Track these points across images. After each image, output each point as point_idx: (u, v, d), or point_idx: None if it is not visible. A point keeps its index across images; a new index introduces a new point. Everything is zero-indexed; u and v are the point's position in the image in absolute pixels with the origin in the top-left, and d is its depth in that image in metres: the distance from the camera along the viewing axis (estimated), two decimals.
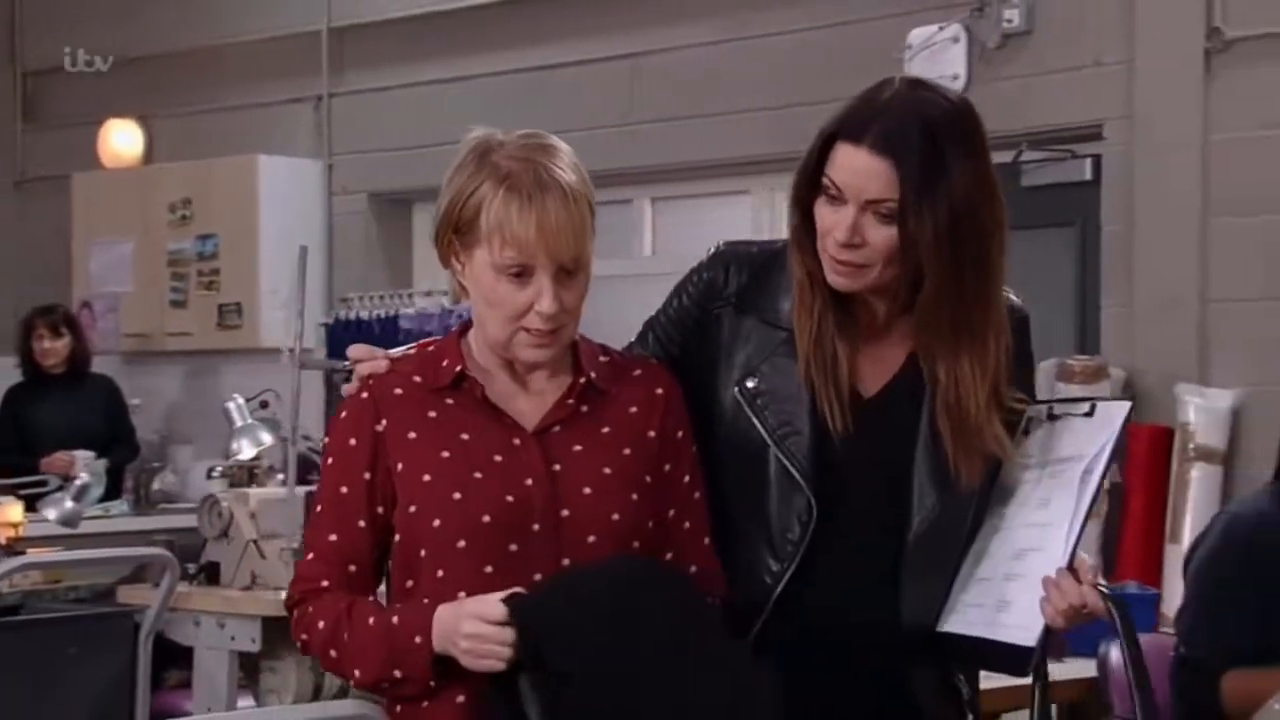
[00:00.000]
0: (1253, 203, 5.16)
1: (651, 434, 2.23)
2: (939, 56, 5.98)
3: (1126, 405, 2.28)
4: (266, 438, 5.54)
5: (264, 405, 5.91)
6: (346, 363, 2.29)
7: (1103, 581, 2.21)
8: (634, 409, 2.23)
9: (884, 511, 2.28)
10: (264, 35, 7.81)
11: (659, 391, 2.25)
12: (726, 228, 7.20)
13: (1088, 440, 2.23)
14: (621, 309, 8.19)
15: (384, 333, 7.05)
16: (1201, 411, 5.01)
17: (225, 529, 5.02)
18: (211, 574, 5.07)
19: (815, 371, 2.25)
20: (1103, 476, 2.20)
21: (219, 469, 5.70)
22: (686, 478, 2.25)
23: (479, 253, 2.16)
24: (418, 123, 7.15)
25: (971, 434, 2.23)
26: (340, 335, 7.15)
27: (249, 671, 4.96)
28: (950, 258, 2.17)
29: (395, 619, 2.15)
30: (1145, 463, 5.05)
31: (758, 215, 6.93)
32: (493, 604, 2.08)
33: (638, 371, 2.27)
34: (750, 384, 2.26)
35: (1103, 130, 5.58)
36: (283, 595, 2.30)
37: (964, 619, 2.25)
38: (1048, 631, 2.19)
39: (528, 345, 2.17)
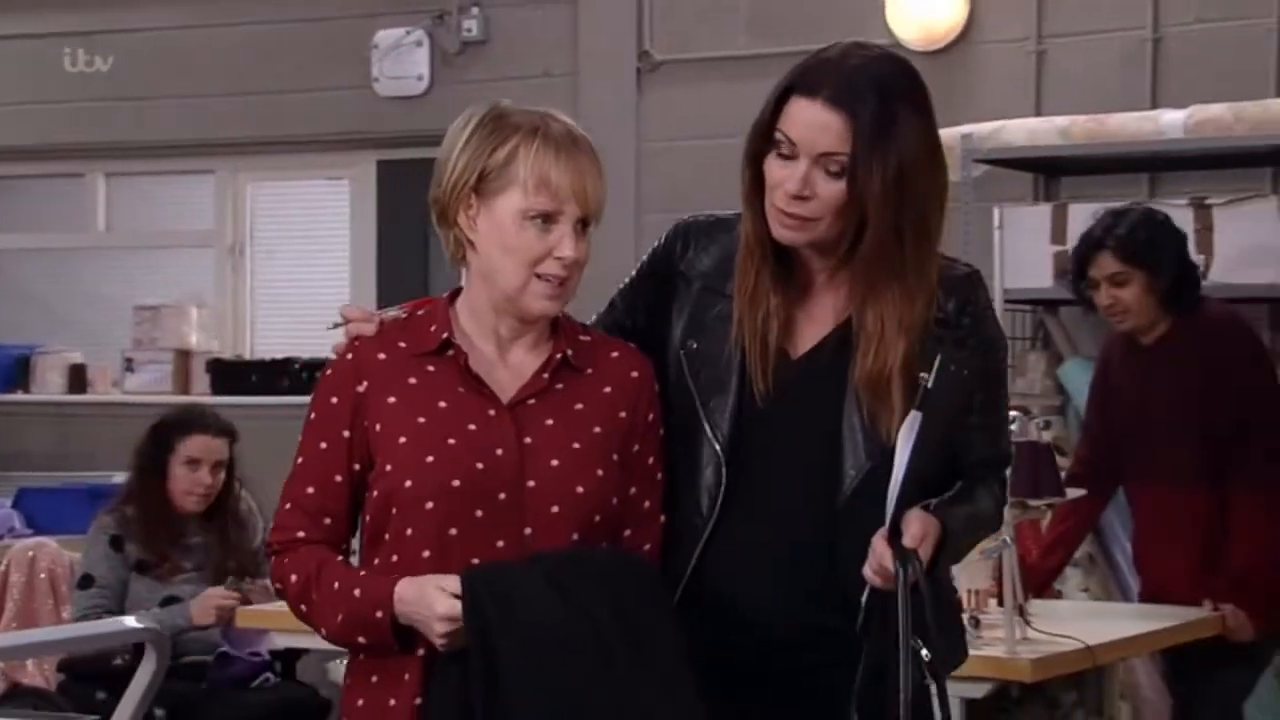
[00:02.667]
0: (677, 201, 5.93)
1: (623, 414, 2.28)
2: (405, 58, 6.52)
3: (937, 359, 2.24)
4: None
5: None
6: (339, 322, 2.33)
7: (905, 539, 2.18)
8: (608, 389, 2.28)
9: (810, 470, 2.28)
10: None
11: (634, 375, 2.30)
12: (188, 207, 7.46)
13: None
14: (76, 281, 8.22)
15: None
16: None
17: None
18: None
19: (747, 330, 2.29)
20: (912, 436, 2.19)
21: None
22: (651, 459, 2.31)
23: (502, 200, 2.22)
24: None
25: (882, 384, 2.24)
26: None
27: None
28: (893, 212, 2.20)
29: (357, 591, 2.21)
30: None
31: (221, 195, 7.19)
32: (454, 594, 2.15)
33: (615, 354, 2.31)
34: (692, 345, 2.32)
35: None
36: None
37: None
38: (876, 592, 2.19)
39: (540, 295, 2.23)
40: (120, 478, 5.27)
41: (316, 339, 7.16)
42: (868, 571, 2.18)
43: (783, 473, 2.29)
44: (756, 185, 2.27)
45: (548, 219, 2.22)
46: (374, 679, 2.25)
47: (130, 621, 3.23)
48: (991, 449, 2.35)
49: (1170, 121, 4.91)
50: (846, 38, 6.61)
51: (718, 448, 2.28)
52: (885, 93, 2.20)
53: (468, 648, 2.14)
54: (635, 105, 6.07)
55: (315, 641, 4.34)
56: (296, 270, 7.15)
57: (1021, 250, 4.79)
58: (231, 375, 6.84)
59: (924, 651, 2.14)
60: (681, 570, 2.29)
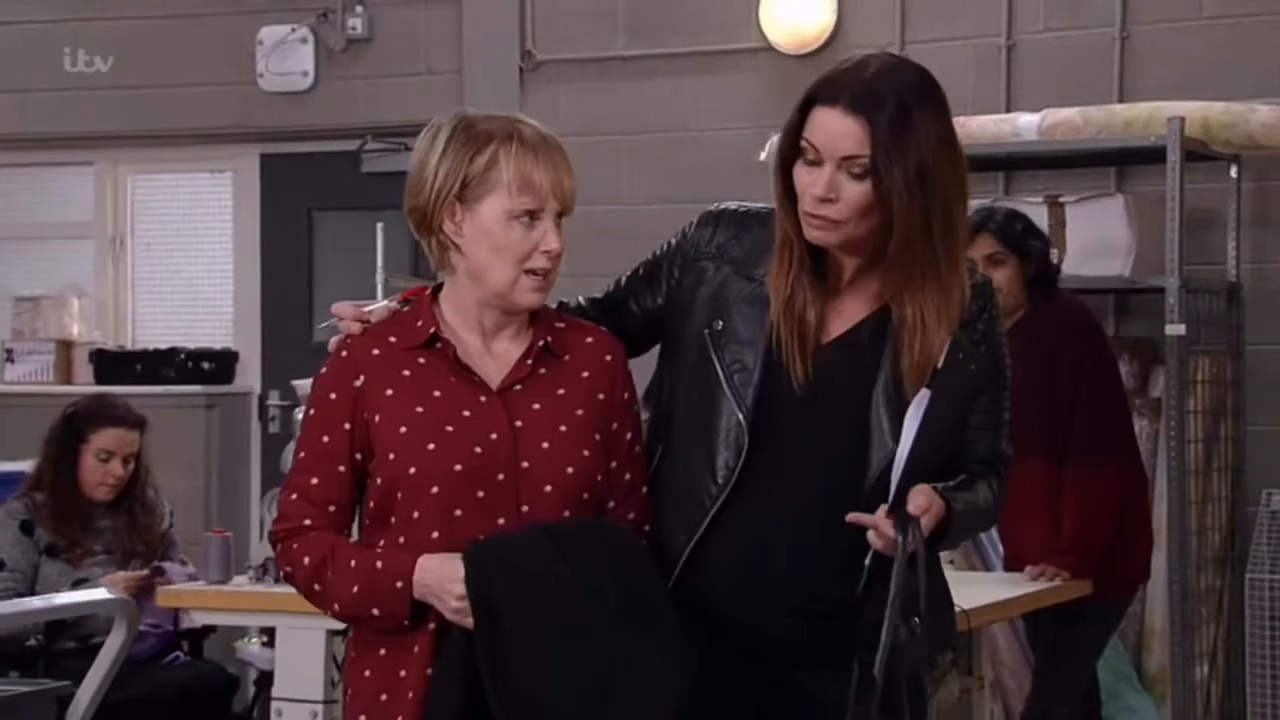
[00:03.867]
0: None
1: (601, 396, 2.41)
2: (290, 54, 6.65)
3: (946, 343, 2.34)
4: None
5: None
6: (331, 319, 2.43)
7: (910, 509, 2.27)
8: (586, 373, 2.41)
9: (840, 454, 2.36)
10: None
11: (608, 359, 2.44)
12: (68, 198, 7.50)
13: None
14: None
15: None
16: None
17: None
18: None
19: (784, 322, 2.38)
20: (920, 412, 2.28)
21: None
22: (629, 435, 2.44)
23: (487, 205, 2.34)
24: None
25: (927, 372, 2.32)
26: None
27: None
28: (920, 208, 2.30)
29: (379, 564, 2.33)
30: None
31: (100, 186, 7.24)
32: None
33: (590, 339, 2.45)
34: (718, 325, 2.42)
35: None
36: None
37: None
38: (878, 559, 2.29)
39: (529, 289, 2.36)
40: (3, 465, 5.41)
41: (200, 329, 7.33)
42: (871, 535, 2.28)
43: (805, 452, 2.38)
44: (787, 191, 2.38)
45: (531, 216, 2.34)
46: (382, 651, 2.36)
47: (103, 593, 3.39)
48: (992, 449, 2.45)
49: (1026, 124, 5.22)
50: (721, 42, 6.98)
51: (741, 419, 2.37)
52: (901, 96, 2.30)
53: (473, 619, 2.25)
54: (518, 103, 6.24)
55: (224, 620, 4.56)
56: (178, 262, 7.24)
57: None
58: (116, 365, 6.91)
59: (916, 621, 2.25)
60: (690, 535, 2.39)
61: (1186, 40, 5.47)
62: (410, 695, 2.32)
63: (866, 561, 2.31)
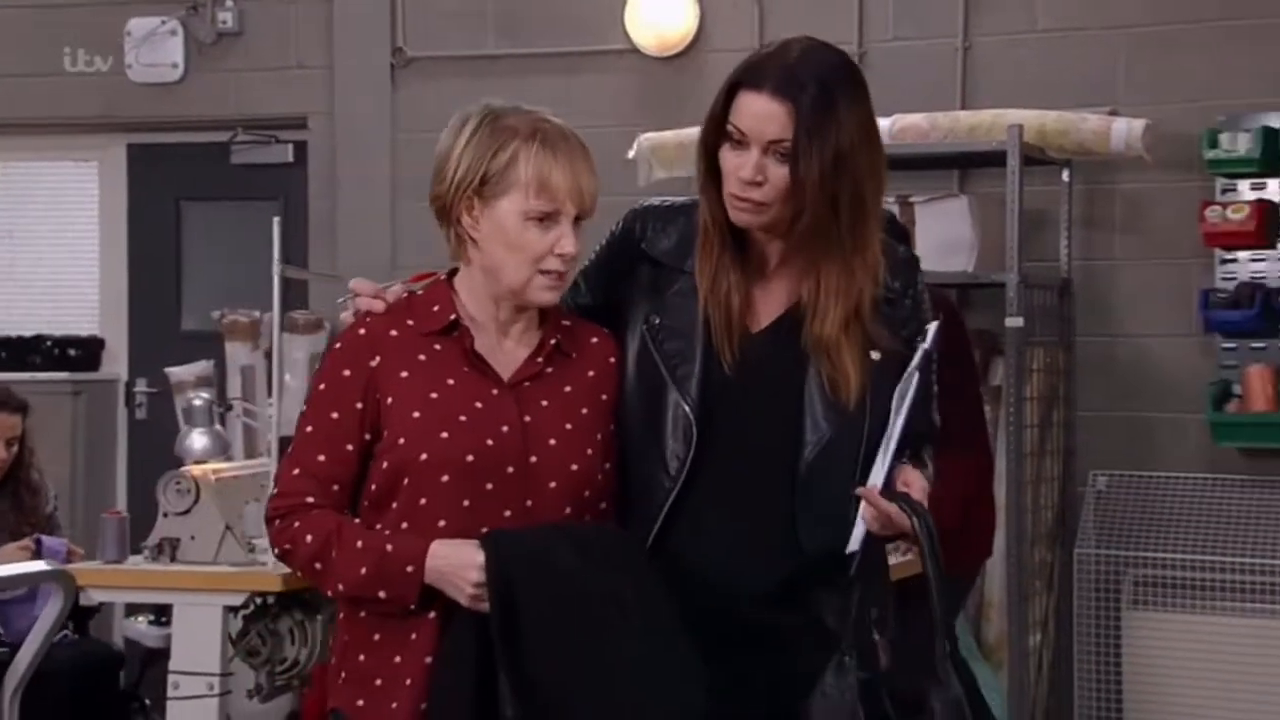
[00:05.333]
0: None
1: (604, 397, 2.41)
2: (159, 46, 6.71)
3: (933, 325, 2.39)
4: None
5: None
6: (346, 295, 2.42)
7: (913, 495, 2.31)
8: (591, 373, 2.40)
9: (775, 439, 2.37)
10: None
11: (611, 360, 2.43)
12: None
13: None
14: None
15: None
16: None
17: None
18: None
19: (711, 306, 2.39)
20: (909, 393, 2.32)
21: None
22: (613, 427, 2.42)
23: (504, 203, 2.31)
24: None
25: (830, 351, 2.35)
26: None
27: None
28: (830, 192, 2.31)
29: (389, 546, 2.28)
30: None
31: None
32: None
33: (595, 339, 2.44)
34: (655, 320, 2.42)
35: (307, 122, 6.57)
36: None
37: (854, 535, 2.35)
38: (871, 536, 2.31)
39: (543, 288, 2.34)
40: None
41: (66, 317, 7.37)
42: (869, 518, 2.29)
43: (748, 438, 2.39)
44: (711, 174, 2.40)
45: (548, 218, 2.32)
46: (377, 636, 2.33)
47: (42, 564, 3.53)
48: (929, 422, 2.49)
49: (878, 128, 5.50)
50: (589, 43, 7.20)
51: (688, 410, 2.38)
52: (824, 81, 2.33)
53: (489, 606, 2.23)
54: (390, 98, 6.39)
55: (122, 598, 4.68)
56: (42, 250, 7.25)
57: None
58: None
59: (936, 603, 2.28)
60: (646, 531, 2.38)
61: (1023, 51, 5.76)
62: (408, 682, 2.30)
63: (857, 546, 2.32)
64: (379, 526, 2.34)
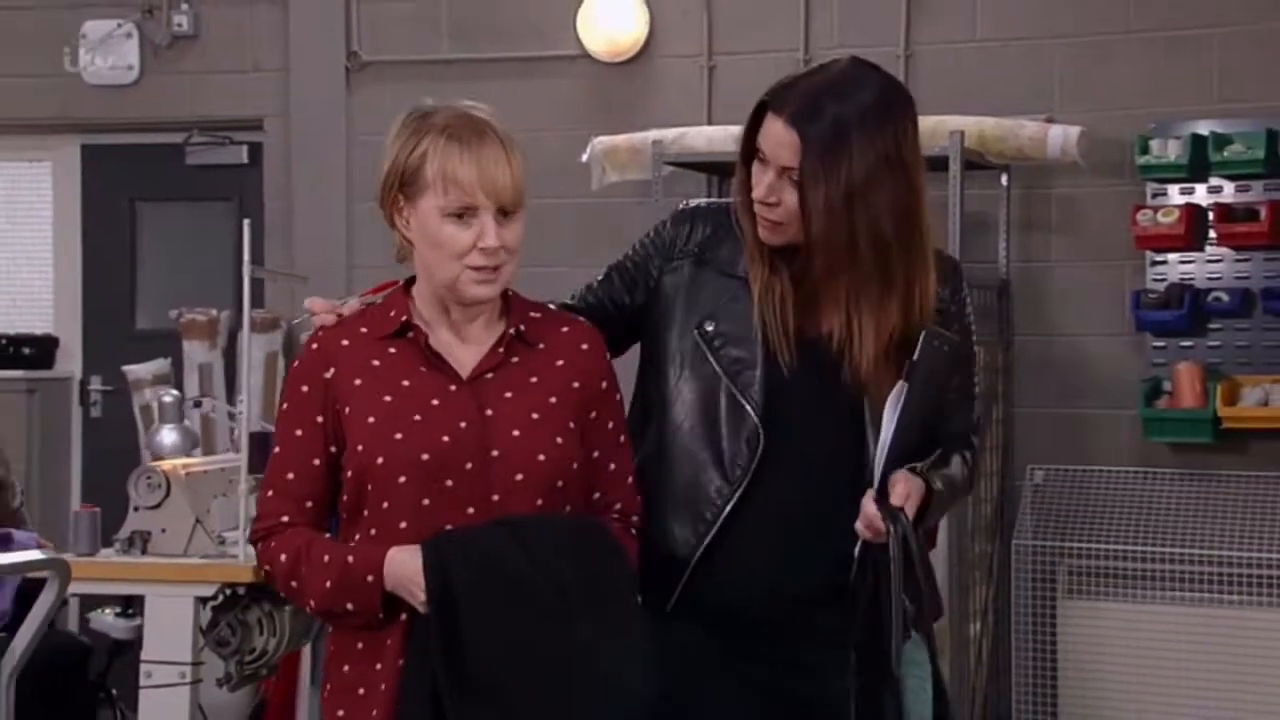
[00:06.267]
0: None
1: (576, 385, 2.35)
2: (115, 49, 6.75)
3: (921, 335, 2.34)
4: None
5: None
6: (304, 315, 2.43)
7: (892, 500, 2.29)
8: (560, 362, 2.35)
9: (839, 440, 2.37)
10: None
11: (584, 347, 2.38)
12: None
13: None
14: None
15: None
16: None
17: None
18: None
19: (766, 312, 2.36)
20: (898, 405, 2.31)
21: None
22: (610, 423, 2.38)
23: (424, 201, 2.27)
24: None
25: (869, 387, 2.34)
26: None
27: None
28: (844, 229, 2.27)
29: (350, 558, 2.27)
30: None
31: None
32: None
33: (566, 328, 2.39)
34: (709, 327, 2.39)
35: (263, 124, 6.65)
36: None
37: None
38: (867, 548, 2.33)
39: (473, 282, 2.29)
40: None
41: (19, 315, 7.42)
42: (859, 526, 2.30)
43: (813, 440, 2.39)
44: (747, 185, 2.40)
45: (467, 213, 2.27)
46: (359, 645, 2.33)
47: (36, 553, 3.61)
48: (965, 421, 2.48)
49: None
50: (541, 48, 7.33)
51: (750, 410, 2.37)
52: (842, 115, 2.28)
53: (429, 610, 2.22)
54: (345, 101, 6.47)
55: (94, 590, 4.77)
56: None
57: None
58: None
59: (909, 605, 2.30)
60: (702, 534, 2.37)
61: (962, 59, 5.92)
62: (383, 688, 2.29)
63: (856, 552, 2.35)
64: (356, 536, 2.34)
